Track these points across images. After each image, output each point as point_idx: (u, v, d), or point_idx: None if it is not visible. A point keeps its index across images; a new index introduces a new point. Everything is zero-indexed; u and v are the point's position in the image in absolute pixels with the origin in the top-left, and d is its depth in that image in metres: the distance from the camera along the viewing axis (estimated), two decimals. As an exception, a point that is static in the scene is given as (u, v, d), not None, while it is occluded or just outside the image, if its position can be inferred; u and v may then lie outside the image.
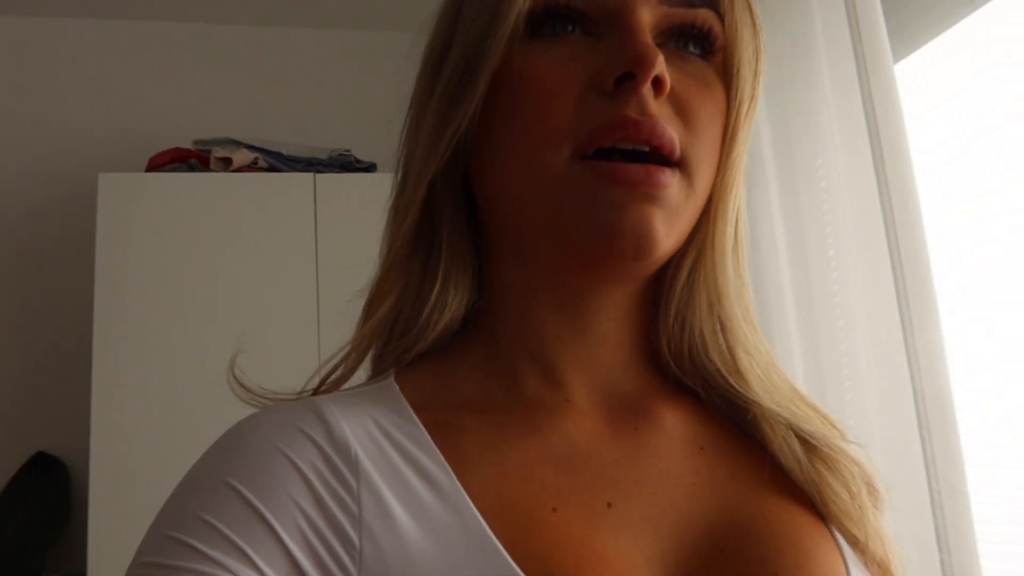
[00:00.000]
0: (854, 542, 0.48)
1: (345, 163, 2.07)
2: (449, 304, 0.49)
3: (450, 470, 0.43)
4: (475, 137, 0.48)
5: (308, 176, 1.99)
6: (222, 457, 0.43)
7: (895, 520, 0.53)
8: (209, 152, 2.00)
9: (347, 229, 1.94)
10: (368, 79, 2.42)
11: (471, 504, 0.41)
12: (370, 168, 2.10)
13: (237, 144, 2.02)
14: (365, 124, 2.22)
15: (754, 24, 0.49)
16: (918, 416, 1.02)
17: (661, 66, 0.43)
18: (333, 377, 0.51)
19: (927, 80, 1.30)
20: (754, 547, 0.44)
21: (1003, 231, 1.14)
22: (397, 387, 0.48)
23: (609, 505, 0.45)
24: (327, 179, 1.99)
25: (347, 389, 0.50)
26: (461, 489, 0.42)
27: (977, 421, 1.14)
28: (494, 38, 0.45)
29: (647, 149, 0.44)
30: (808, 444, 0.49)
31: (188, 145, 2.04)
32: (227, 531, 0.38)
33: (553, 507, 0.43)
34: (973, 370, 1.17)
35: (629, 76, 0.43)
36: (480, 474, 0.43)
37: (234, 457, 0.42)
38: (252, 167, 2.00)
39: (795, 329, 1.19)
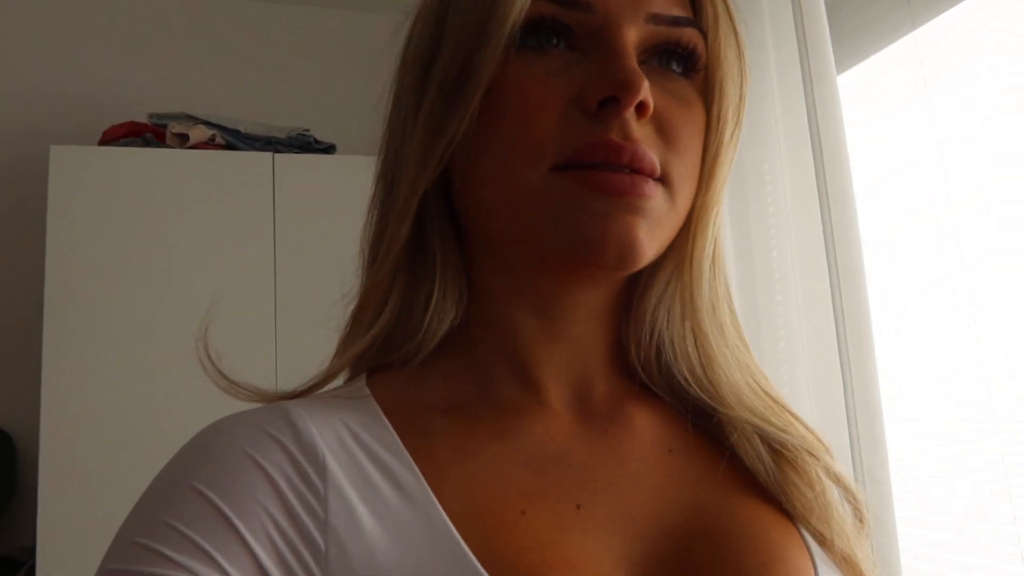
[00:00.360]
0: (821, 540, 0.49)
1: (304, 143, 2.07)
2: (448, 312, 0.49)
3: (419, 473, 0.43)
4: (460, 145, 0.47)
5: (267, 155, 1.98)
6: (189, 462, 0.43)
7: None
8: (165, 127, 1.98)
9: (306, 210, 1.95)
10: (330, 60, 2.41)
11: (439, 507, 0.42)
12: (329, 149, 2.10)
13: (194, 120, 2.00)
14: (325, 105, 2.23)
15: (738, 46, 0.50)
16: (847, 411, 1.11)
17: (646, 92, 0.43)
18: (314, 382, 0.50)
19: (869, 94, 1.37)
20: (722, 547, 0.45)
21: (937, 251, 1.23)
22: (368, 391, 0.48)
23: (578, 507, 0.45)
24: (286, 159, 1.99)
25: (319, 394, 0.50)
26: (429, 492, 0.42)
27: (900, 420, 1.23)
28: (487, 49, 0.45)
29: (627, 171, 0.44)
30: (773, 447, 0.50)
31: (143, 119, 2.01)
32: (194, 536, 0.38)
33: (522, 509, 0.44)
34: (915, 384, 1.25)
35: (613, 100, 0.43)
36: (449, 477, 0.44)
37: (201, 462, 0.42)
38: (209, 144, 1.98)
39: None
